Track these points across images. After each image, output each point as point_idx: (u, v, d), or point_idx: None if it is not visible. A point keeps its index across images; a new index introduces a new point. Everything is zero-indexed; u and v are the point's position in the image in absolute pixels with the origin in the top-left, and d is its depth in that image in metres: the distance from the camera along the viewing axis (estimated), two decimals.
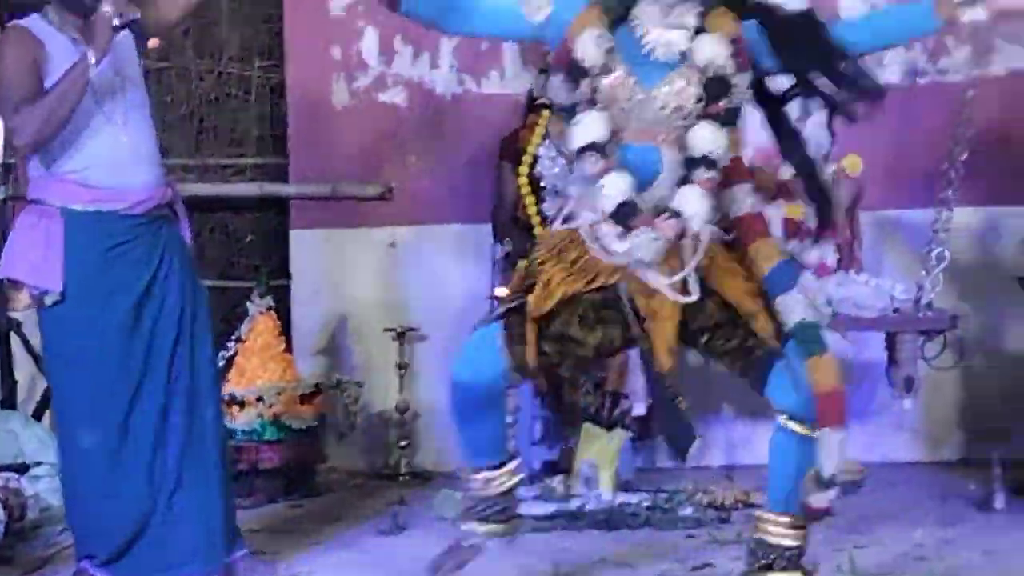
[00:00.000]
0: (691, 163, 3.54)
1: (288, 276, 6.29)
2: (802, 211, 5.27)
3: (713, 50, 3.52)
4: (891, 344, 5.33)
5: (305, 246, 6.26)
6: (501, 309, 3.69)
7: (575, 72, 3.55)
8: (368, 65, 6.23)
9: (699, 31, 3.55)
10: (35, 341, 5.28)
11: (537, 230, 5.45)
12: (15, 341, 5.71)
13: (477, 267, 5.99)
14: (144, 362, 4.18)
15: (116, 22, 4.02)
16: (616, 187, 3.51)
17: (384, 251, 6.24)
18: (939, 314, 5.27)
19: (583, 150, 3.55)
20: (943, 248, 5.34)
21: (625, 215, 3.51)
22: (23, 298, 4.28)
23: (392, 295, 6.21)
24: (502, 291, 5.21)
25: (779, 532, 3.65)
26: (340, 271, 6.24)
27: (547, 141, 5.46)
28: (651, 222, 3.50)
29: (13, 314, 5.58)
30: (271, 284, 5.96)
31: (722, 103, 3.54)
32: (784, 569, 3.64)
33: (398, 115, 6.23)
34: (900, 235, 5.89)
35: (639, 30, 3.56)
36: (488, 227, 5.84)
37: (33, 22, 4.16)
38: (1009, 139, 5.83)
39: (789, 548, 3.65)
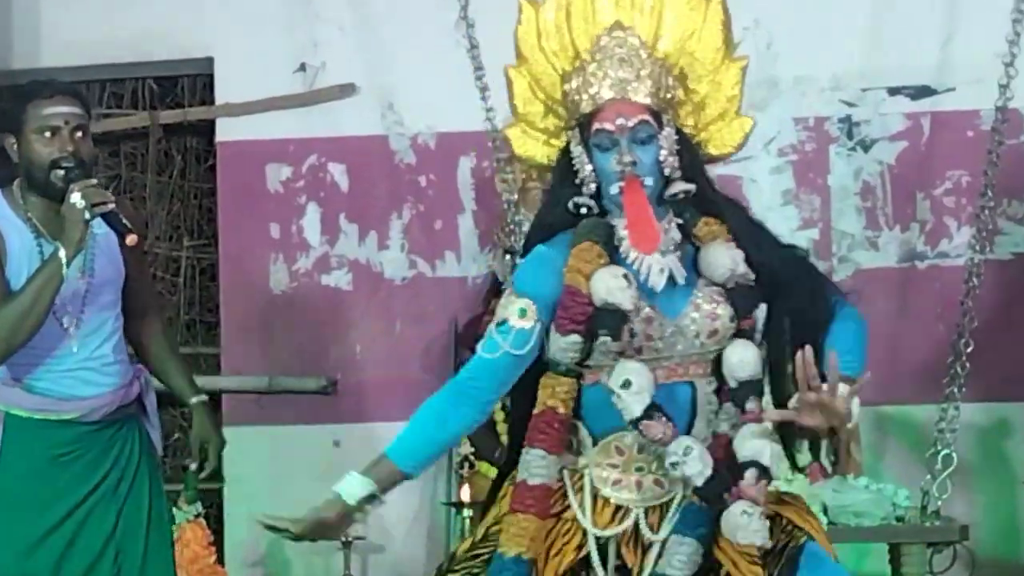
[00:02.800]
0: (738, 393, 3.23)
1: (221, 479, 5.82)
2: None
3: (728, 259, 3.26)
4: (895, 557, 5.11)
5: (239, 445, 5.75)
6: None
7: (609, 321, 3.22)
8: (310, 245, 6.17)
9: (690, 243, 3.30)
10: None
11: (500, 427, 5.27)
12: None
13: (433, 469, 5.62)
14: None
15: (87, 215, 3.95)
16: (696, 454, 3.17)
17: (328, 451, 6.04)
18: (947, 523, 5.11)
19: (644, 417, 3.20)
20: (950, 449, 5.20)
21: (717, 489, 3.17)
22: None
23: None
24: (464, 495, 5.07)
25: None
26: (278, 473, 6.04)
27: None
28: (741, 493, 3.15)
29: None
30: (201, 488, 5.66)
31: (753, 316, 3.27)
32: None
33: (343, 300, 6.19)
34: (902, 434, 5.77)
35: (628, 256, 3.27)
36: None
37: None
38: (1016, 328, 5.71)
39: None
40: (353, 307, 6.12)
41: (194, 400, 4.35)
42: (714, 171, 3.64)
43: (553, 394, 3.29)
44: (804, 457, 3.55)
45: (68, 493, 4.11)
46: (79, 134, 4.07)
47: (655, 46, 3.39)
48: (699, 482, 3.16)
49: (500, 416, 5.17)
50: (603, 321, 3.21)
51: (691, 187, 3.32)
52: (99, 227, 4.11)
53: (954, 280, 5.49)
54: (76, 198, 3.95)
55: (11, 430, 4.08)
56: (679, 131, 3.35)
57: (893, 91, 5.82)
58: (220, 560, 5.73)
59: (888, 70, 5.77)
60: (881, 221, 5.84)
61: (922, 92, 5.81)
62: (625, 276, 3.23)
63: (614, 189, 3.29)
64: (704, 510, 3.23)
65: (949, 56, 5.75)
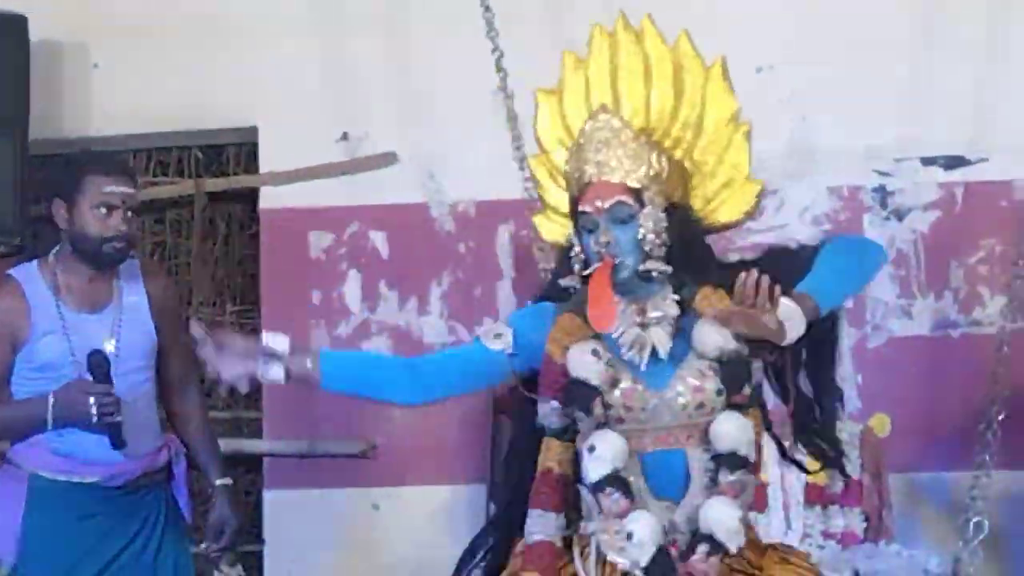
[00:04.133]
0: (716, 463, 3.28)
1: (261, 541, 6.09)
2: (826, 476, 5.04)
3: (718, 338, 3.28)
4: None
5: (280, 508, 6.12)
6: None
7: (580, 396, 3.29)
8: (350, 311, 6.14)
9: (688, 316, 3.34)
10: None
11: None
12: None
13: (470, 531, 5.59)
14: None
15: (94, 419, 4.01)
16: (646, 532, 3.23)
17: (367, 514, 6.06)
18: None
19: (600, 486, 3.27)
20: (982, 517, 5.22)
21: (662, 570, 3.21)
22: None
23: (377, 563, 6.03)
24: None
25: None
26: (318, 536, 6.05)
27: None
28: (690, 569, 3.21)
29: None
30: (241, 550, 5.62)
31: (745, 390, 3.29)
32: None
33: None
34: (934, 500, 5.72)
35: (615, 332, 3.34)
36: (482, 488, 5.78)
37: (28, 274, 4.22)
38: None
39: None
40: None
41: (219, 483, 4.41)
42: (749, 239, 3.71)
43: (549, 456, 3.36)
44: (813, 464, 3.55)
45: (94, 555, 4.14)
46: (131, 214, 4.17)
47: (646, 123, 3.44)
48: (641, 565, 3.21)
49: None
50: (574, 395, 3.29)
51: (664, 268, 3.34)
52: (129, 295, 4.24)
53: (987, 348, 5.48)
54: (92, 401, 4.00)
55: (36, 491, 4.13)
56: (671, 207, 3.36)
57: (927, 161, 5.81)
58: None
59: (922, 140, 5.77)
60: (914, 289, 5.81)
61: (956, 162, 5.80)
62: (595, 352, 3.28)
63: (589, 270, 3.34)
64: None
65: (982, 127, 5.75)
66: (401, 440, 6.03)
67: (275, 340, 3.36)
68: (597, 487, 3.24)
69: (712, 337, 3.27)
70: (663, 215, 3.32)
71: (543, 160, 3.58)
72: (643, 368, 3.30)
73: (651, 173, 3.35)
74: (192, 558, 4.43)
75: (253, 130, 6.22)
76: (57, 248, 4.24)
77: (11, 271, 4.26)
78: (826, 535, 5.10)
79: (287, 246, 6.16)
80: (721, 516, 3.22)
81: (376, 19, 6.03)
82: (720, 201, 3.47)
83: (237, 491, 5.89)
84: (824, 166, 5.78)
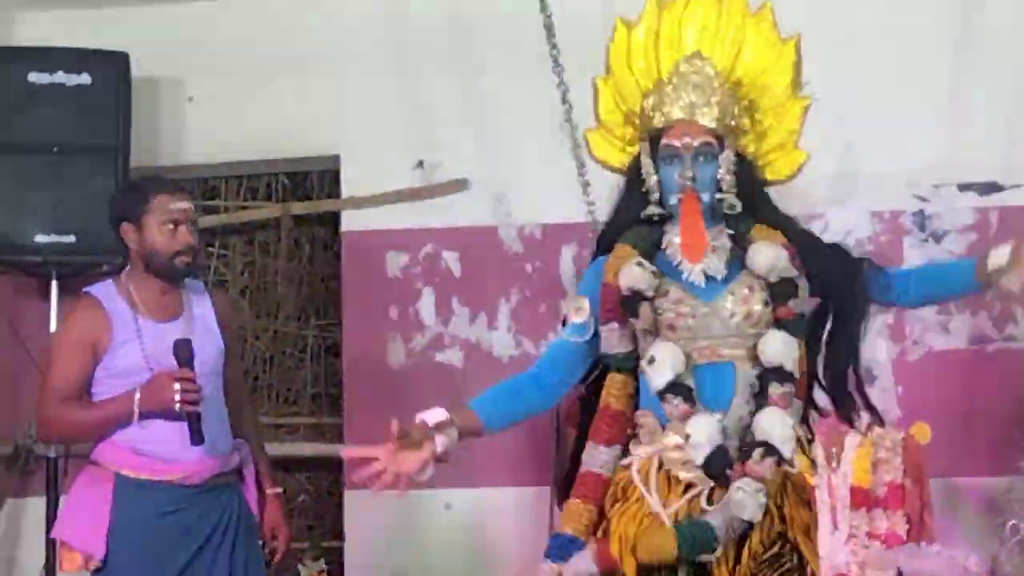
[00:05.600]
0: (766, 377, 3.39)
1: (342, 538, 6.22)
2: (871, 481, 5.21)
3: (772, 254, 3.44)
4: None
5: (359, 507, 6.18)
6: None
7: (630, 304, 3.43)
8: (425, 325, 6.25)
9: (741, 249, 3.48)
10: None
11: None
12: None
13: (535, 531, 5.78)
14: None
15: (177, 405, 4.11)
16: (705, 433, 3.34)
17: (440, 513, 6.14)
18: None
19: (662, 393, 3.39)
20: (1018, 520, 5.29)
21: (719, 466, 3.33)
22: (74, 558, 4.29)
23: (447, 559, 6.11)
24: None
25: None
26: (394, 533, 6.13)
27: None
28: (747, 470, 3.31)
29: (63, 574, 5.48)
30: (324, 546, 5.95)
31: (792, 305, 3.42)
32: None
33: (455, 375, 6.21)
34: (973, 504, 5.76)
35: (675, 258, 3.48)
36: (546, 491, 5.73)
37: (105, 290, 4.30)
38: None
39: None
40: (464, 382, 6.11)
41: (270, 492, 4.51)
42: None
43: (610, 392, 3.46)
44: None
45: (177, 551, 4.24)
46: (193, 227, 4.30)
47: (729, 76, 3.55)
48: (698, 461, 3.29)
49: None
50: (628, 304, 3.38)
51: (737, 203, 3.45)
52: (197, 306, 4.37)
53: (1020, 361, 5.62)
54: (176, 387, 4.11)
55: (121, 490, 4.23)
56: (739, 154, 3.51)
57: (963, 187, 5.88)
58: None
59: (959, 168, 5.83)
60: (952, 307, 5.83)
61: (990, 188, 5.87)
62: (640, 263, 3.40)
63: (673, 200, 3.47)
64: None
65: (1016, 155, 5.83)
66: (471, 445, 6.06)
67: (432, 416, 3.43)
68: (660, 395, 3.36)
69: (765, 252, 3.42)
70: (735, 159, 3.50)
71: (610, 82, 3.67)
72: (699, 286, 3.44)
73: (731, 123, 3.51)
74: (262, 556, 4.49)
75: (336, 158, 6.33)
76: (128, 267, 4.35)
77: (88, 288, 4.36)
78: (870, 536, 5.16)
79: (366, 265, 6.26)
80: (775, 424, 3.33)
81: (449, 56, 6.13)
82: (768, 160, 3.62)
83: (320, 491, 6.28)
84: (866, 191, 5.82)
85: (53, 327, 5.71)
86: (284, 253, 6.56)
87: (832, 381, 3.54)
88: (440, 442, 3.42)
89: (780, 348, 3.39)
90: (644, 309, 3.41)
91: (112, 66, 5.93)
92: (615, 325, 3.47)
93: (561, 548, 3.49)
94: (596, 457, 3.48)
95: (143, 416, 4.16)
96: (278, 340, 6.54)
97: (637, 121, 3.59)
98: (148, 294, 4.29)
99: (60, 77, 5.87)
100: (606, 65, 3.71)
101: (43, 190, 5.82)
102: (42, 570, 5.62)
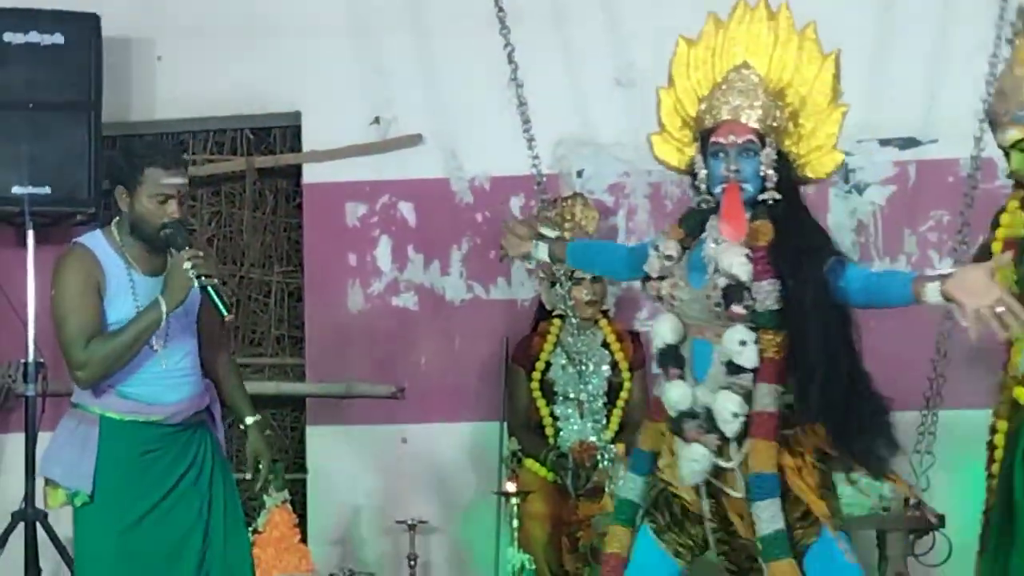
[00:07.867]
0: (726, 365, 3.75)
1: (304, 470, 6.37)
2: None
3: (729, 258, 3.74)
4: (882, 542, 5.38)
5: (321, 442, 6.34)
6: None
7: (645, 281, 3.91)
8: (382, 272, 6.37)
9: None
10: (61, 533, 5.46)
11: (548, 431, 5.72)
12: (42, 532, 5.80)
13: (486, 463, 6.10)
14: (171, 562, 4.29)
15: (195, 283, 4.10)
16: (678, 393, 3.78)
17: (397, 446, 6.28)
18: (926, 513, 5.31)
19: (661, 354, 3.84)
20: (929, 450, 5.56)
21: (682, 426, 3.77)
22: (58, 495, 4.33)
23: (404, 489, 6.25)
24: (511, 486, 5.39)
25: None
26: (354, 465, 6.29)
27: (558, 348, 5.78)
28: (698, 436, 3.73)
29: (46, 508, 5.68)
30: (288, 478, 5.99)
31: (738, 309, 3.71)
32: None
33: (410, 319, 6.35)
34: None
35: (710, 236, 3.83)
36: (495, 425, 5.99)
37: (95, 241, 4.28)
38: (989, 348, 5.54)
39: None
40: (419, 325, 6.29)
41: (250, 420, 4.49)
42: None
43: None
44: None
45: (158, 484, 4.28)
46: (183, 202, 4.25)
47: (775, 84, 3.84)
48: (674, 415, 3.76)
49: (548, 421, 5.73)
50: (644, 281, 3.85)
51: (775, 195, 3.77)
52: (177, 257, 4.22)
53: (937, 307, 5.50)
54: (188, 265, 4.08)
55: (107, 430, 4.25)
56: (780, 153, 3.80)
57: (884, 142, 6.05)
58: (304, 539, 5.76)
59: (880, 124, 5.95)
60: (873, 254, 6.04)
61: (909, 143, 6.05)
62: (655, 246, 3.81)
63: (718, 189, 3.79)
64: None
65: (932, 112, 5.97)
66: (426, 383, 6.24)
67: (545, 229, 4.07)
68: (656, 360, 3.83)
69: (727, 255, 3.75)
70: (775, 157, 3.79)
71: (671, 92, 3.99)
72: (699, 272, 3.79)
73: (773, 124, 3.80)
74: (236, 485, 4.53)
75: (297, 115, 6.42)
76: (118, 220, 4.30)
77: (79, 239, 4.31)
78: None
79: (326, 215, 6.38)
80: (724, 403, 3.71)
81: (403, 20, 6.23)
82: (808, 160, 3.90)
83: (283, 427, 6.40)
84: None
85: (31, 273, 5.92)
86: (249, 204, 6.63)
87: (799, 380, 3.80)
88: (536, 251, 4.20)
89: (730, 345, 3.74)
90: (651, 285, 3.85)
91: (84, 26, 5.99)
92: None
93: (641, 463, 3.97)
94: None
95: (170, 313, 4.12)
96: (244, 286, 6.65)
97: (693, 124, 3.89)
98: (137, 250, 4.26)
99: (34, 37, 5.94)
100: (668, 76, 3.99)
101: (20, 144, 5.90)
102: (22, 502, 5.74)
